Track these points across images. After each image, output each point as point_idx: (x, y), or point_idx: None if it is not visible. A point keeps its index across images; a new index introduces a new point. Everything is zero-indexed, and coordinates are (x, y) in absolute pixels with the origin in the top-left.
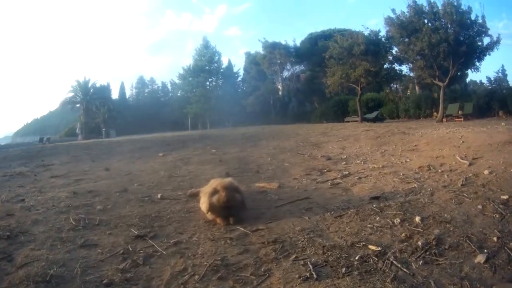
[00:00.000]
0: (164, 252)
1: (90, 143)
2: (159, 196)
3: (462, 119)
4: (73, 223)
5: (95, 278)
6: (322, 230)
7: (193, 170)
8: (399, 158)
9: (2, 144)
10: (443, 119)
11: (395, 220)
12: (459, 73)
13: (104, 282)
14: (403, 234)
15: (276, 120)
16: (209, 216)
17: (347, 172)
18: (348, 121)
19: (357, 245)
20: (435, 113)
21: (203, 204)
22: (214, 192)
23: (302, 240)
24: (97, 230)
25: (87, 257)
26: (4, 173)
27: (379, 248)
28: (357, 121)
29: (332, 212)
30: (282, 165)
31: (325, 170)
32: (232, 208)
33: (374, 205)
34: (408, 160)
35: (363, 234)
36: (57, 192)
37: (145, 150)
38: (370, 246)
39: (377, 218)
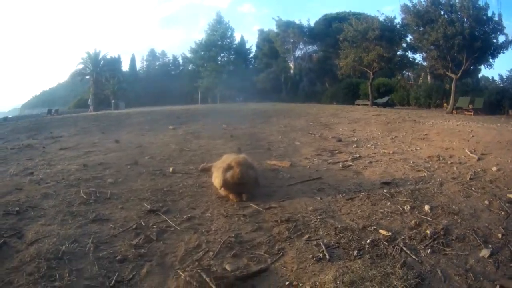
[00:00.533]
0: (177, 228)
1: (99, 115)
2: (170, 169)
3: (472, 113)
4: (84, 196)
5: (108, 254)
6: (334, 212)
7: (204, 145)
8: (409, 146)
9: (10, 116)
10: (453, 111)
11: (405, 207)
12: (471, 67)
13: (117, 258)
14: (412, 222)
15: (286, 98)
16: (222, 192)
17: (357, 155)
18: (359, 104)
19: (368, 228)
20: (445, 104)
21: (216, 179)
22: (228, 168)
23: (315, 220)
24: (108, 204)
25: (99, 232)
26: (12, 145)
27: (390, 234)
28: (367, 105)
29: (344, 194)
30: (293, 143)
31: (336, 152)
32: (245, 185)
33: (385, 190)
34: (418, 148)
35: (374, 218)
36: (67, 164)
37: (155, 122)
38: (381, 231)
39: (388, 204)
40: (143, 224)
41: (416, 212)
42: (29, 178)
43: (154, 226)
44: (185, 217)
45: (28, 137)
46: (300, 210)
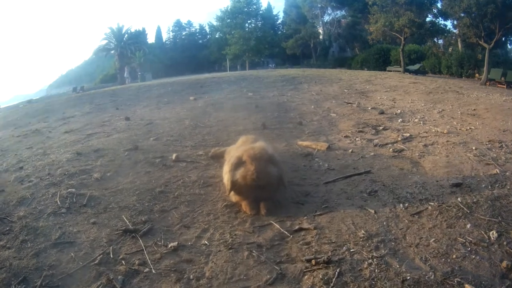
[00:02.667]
0: (153, 270)
1: (118, 89)
2: (173, 157)
3: (505, 86)
4: (58, 203)
5: None
6: (397, 241)
7: (224, 119)
8: (461, 123)
9: (34, 98)
10: (486, 83)
11: (490, 234)
12: (503, 38)
13: None
14: (503, 263)
15: (316, 64)
16: (232, 197)
17: (407, 134)
18: (390, 71)
19: (449, 281)
20: (477, 75)
21: (225, 177)
22: (239, 163)
23: (369, 261)
24: (81, 215)
25: (55, 265)
26: (19, 132)
27: None
28: (399, 71)
29: (406, 205)
30: (328, 115)
31: (381, 128)
32: (264, 189)
33: (458, 199)
34: (472, 128)
35: (454, 256)
36: (61, 153)
37: (176, 94)
38: (466, 286)
39: (468, 226)
40: (111, 256)
41: (505, 243)
42: (16, 174)
43: (123, 262)
44: (170, 246)
45: (39, 120)
46: (346, 237)
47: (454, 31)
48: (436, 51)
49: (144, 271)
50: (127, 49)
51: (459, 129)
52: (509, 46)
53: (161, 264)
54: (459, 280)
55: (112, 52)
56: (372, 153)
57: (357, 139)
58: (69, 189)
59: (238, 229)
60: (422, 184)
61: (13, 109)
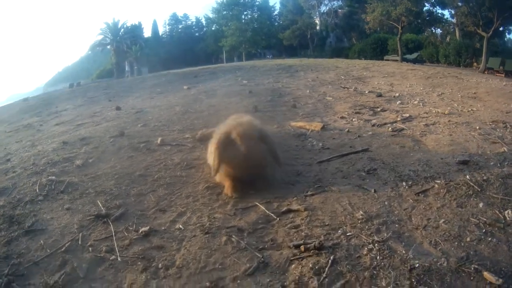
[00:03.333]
0: (119, 259)
1: (113, 82)
2: (158, 141)
3: (504, 75)
4: (37, 190)
5: None
6: (401, 223)
7: (216, 104)
8: (462, 105)
9: (31, 96)
10: (485, 71)
11: (506, 214)
12: (501, 28)
13: None
14: None
15: (313, 54)
16: (217, 178)
17: (407, 115)
18: (388, 60)
19: (465, 268)
20: (475, 64)
21: (210, 157)
22: (226, 141)
23: (370, 246)
24: (57, 201)
25: (24, 254)
26: (11, 128)
27: (500, 281)
28: (397, 60)
29: (410, 183)
30: (323, 99)
31: (378, 109)
32: (253, 168)
33: (467, 176)
34: (474, 109)
35: (468, 240)
36: (49, 143)
37: (169, 84)
38: (485, 274)
39: (481, 205)
40: (79, 243)
41: None
42: (2, 167)
43: (91, 249)
44: (141, 231)
45: (32, 115)
46: (342, 218)
47: (452, 20)
48: (434, 40)
49: (110, 258)
50: (123, 44)
51: (461, 111)
52: (507, 35)
53: (129, 251)
54: (476, 267)
55: (108, 47)
56: (370, 132)
57: (353, 119)
58: (50, 177)
59: (218, 212)
60: (426, 162)
61: (9, 108)
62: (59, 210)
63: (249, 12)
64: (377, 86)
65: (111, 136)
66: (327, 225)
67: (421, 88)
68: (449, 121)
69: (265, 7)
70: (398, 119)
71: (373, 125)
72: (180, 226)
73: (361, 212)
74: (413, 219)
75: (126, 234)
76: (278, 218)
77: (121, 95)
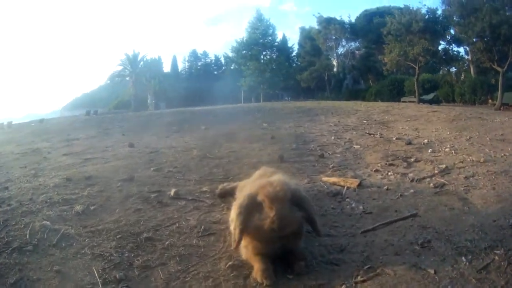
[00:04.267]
0: None
1: (129, 115)
2: (172, 192)
3: None
4: (27, 237)
5: None
6: None
7: (236, 150)
8: (493, 150)
9: (47, 118)
10: (501, 108)
11: None
12: None
13: None
14: None
15: (330, 96)
16: (242, 251)
17: (443, 166)
18: (405, 101)
19: None
20: (490, 100)
21: (232, 224)
22: (253, 204)
23: None
24: (47, 257)
25: None
26: (19, 150)
27: None
28: (414, 101)
29: (470, 257)
30: (351, 147)
31: (412, 160)
32: (288, 239)
33: None
34: (506, 154)
35: None
36: (52, 177)
37: (186, 122)
38: None
39: None
40: None
41: None
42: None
43: None
44: None
45: (43, 140)
46: None
47: (467, 57)
48: (450, 79)
49: None
50: (142, 77)
51: (494, 157)
52: None
53: None
54: None
55: (127, 78)
56: (411, 190)
57: (389, 173)
58: (44, 221)
59: None
60: (480, 227)
61: (24, 127)
62: (48, 271)
63: (268, 52)
64: (403, 132)
65: (119, 180)
66: None
67: (448, 133)
68: (487, 171)
69: (284, 48)
70: (436, 171)
71: (412, 180)
72: None
73: None
74: None
75: None
76: None
77: (136, 130)
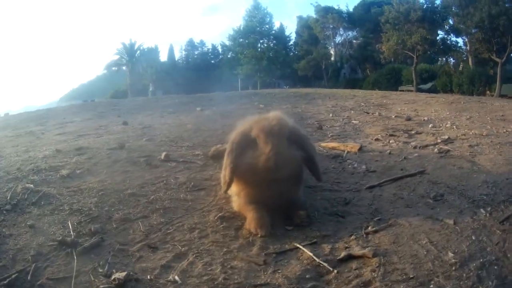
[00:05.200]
0: None
1: (125, 100)
2: (162, 156)
3: None
4: (8, 198)
5: None
6: (499, 262)
7: (232, 124)
8: (495, 127)
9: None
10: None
11: None
12: None
13: None
14: None
15: (328, 85)
16: (234, 201)
17: (446, 137)
18: (403, 90)
19: None
20: (488, 91)
21: (223, 172)
22: (245, 141)
23: None
24: (24, 215)
25: None
26: (14, 133)
27: None
28: (411, 90)
29: (489, 209)
30: (349, 122)
31: (413, 132)
32: (286, 184)
33: None
34: (509, 130)
35: None
36: (43, 150)
37: (183, 105)
38: None
39: None
40: (28, 279)
41: None
42: None
43: None
44: (113, 277)
45: (38, 124)
46: (429, 266)
47: (465, 48)
48: (448, 69)
49: None
50: (139, 66)
51: (497, 132)
52: None
53: None
54: None
55: (124, 68)
56: (415, 154)
57: (391, 141)
58: (27, 185)
59: (237, 258)
60: (494, 183)
61: (20, 116)
62: (22, 227)
63: (265, 40)
64: (401, 112)
65: (109, 148)
66: (412, 278)
67: (448, 113)
68: (491, 141)
69: (281, 36)
70: (438, 141)
71: (415, 147)
72: (176, 278)
73: (450, 254)
74: (509, 255)
75: (92, 279)
76: (335, 270)
77: (131, 112)
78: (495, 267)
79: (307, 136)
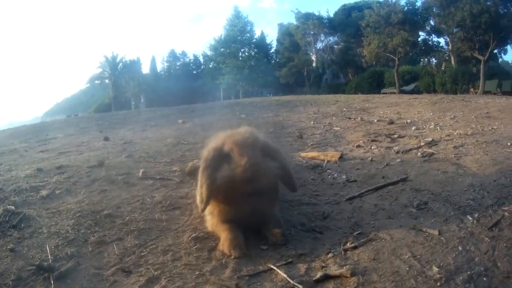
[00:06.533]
0: None
1: (107, 115)
2: (140, 173)
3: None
4: None
5: None
6: (488, 273)
7: (211, 136)
8: (480, 125)
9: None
10: (483, 96)
11: None
12: (495, 51)
13: None
14: None
15: (310, 92)
16: (208, 221)
17: (429, 139)
18: (386, 93)
19: None
20: (471, 89)
21: (199, 190)
22: (219, 156)
23: None
24: (4, 238)
25: None
26: None
27: None
28: (394, 93)
29: (476, 215)
30: (331, 129)
31: (395, 136)
32: (262, 197)
33: None
34: (494, 127)
35: None
36: (25, 169)
37: (164, 118)
38: None
39: None
40: None
41: None
42: None
43: None
44: None
45: (22, 141)
46: (412, 283)
47: (447, 47)
48: (430, 70)
49: None
50: (121, 78)
51: (482, 130)
52: (502, 57)
53: None
54: None
55: (107, 81)
56: (398, 160)
57: (372, 147)
58: (9, 206)
59: (210, 282)
60: (481, 186)
61: (3, 132)
62: (3, 250)
63: (246, 49)
64: (384, 116)
65: (89, 166)
66: None
67: (431, 114)
68: (476, 141)
69: (262, 44)
70: (422, 144)
71: (397, 152)
72: None
73: (435, 269)
74: (499, 265)
75: None
76: None
77: (114, 127)
78: (484, 279)
79: (278, 148)
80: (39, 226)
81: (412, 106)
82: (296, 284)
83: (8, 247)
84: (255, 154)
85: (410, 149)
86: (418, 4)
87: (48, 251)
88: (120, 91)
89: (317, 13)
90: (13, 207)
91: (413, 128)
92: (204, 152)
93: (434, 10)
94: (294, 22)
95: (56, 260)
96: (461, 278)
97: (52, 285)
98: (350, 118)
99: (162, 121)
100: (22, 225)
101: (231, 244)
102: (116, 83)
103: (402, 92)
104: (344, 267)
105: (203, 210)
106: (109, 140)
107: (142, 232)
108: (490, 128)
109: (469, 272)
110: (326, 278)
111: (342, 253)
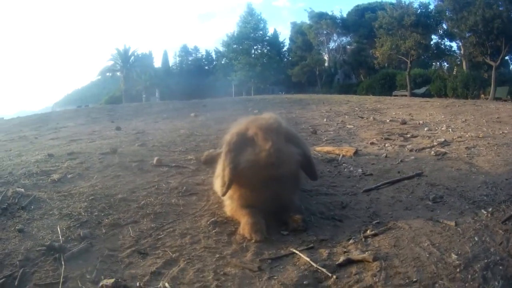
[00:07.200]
0: None
1: (118, 106)
2: (154, 161)
3: None
4: None
5: None
6: (503, 262)
7: (225, 129)
8: (491, 129)
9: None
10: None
11: None
12: (507, 57)
13: None
14: None
15: (322, 91)
16: (227, 206)
17: (442, 139)
18: (397, 95)
19: None
20: (482, 95)
21: (218, 177)
22: (242, 141)
23: None
24: (13, 219)
25: None
26: (7, 138)
27: None
28: (406, 95)
29: (490, 209)
30: (344, 127)
31: (409, 135)
32: (284, 183)
33: None
34: (505, 132)
35: None
36: (35, 155)
37: (176, 111)
38: None
39: None
40: (15, 284)
41: None
42: None
43: None
44: (102, 284)
45: (32, 129)
46: (432, 268)
47: (459, 52)
48: (442, 74)
49: None
50: (133, 71)
51: (493, 134)
52: (510, 67)
53: None
54: None
55: (118, 73)
56: (412, 157)
57: (386, 145)
58: (18, 189)
59: (231, 264)
60: (493, 184)
61: (13, 120)
62: (11, 231)
63: (259, 46)
64: (396, 116)
65: (102, 153)
66: (415, 281)
67: (443, 116)
68: (488, 143)
69: (275, 42)
70: (435, 144)
71: (411, 150)
72: (166, 285)
73: (454, 256)
74: None
75: (79, 285)
76: (334, 276)
77: (125, 118)
78: (500, 267)
79: (300, 136)
80: (50, 208)
81: (424, 109)
82: (319, 267)
83: (17, 227)
84: (279, 139)
85: (423, 148)
86: (431, 7)
87: (59, 232)
88: (131, 84)
89: (330, 13)
90: (22, 190)
91: (425, 129)
92: (227, 136)
93: (447, 13)
94: (307, 21)
95: (67, 241)
96: (478, 265)
97: (63, 266)
98: (362, 117)
99: (174, 114)
100: (32, 206)
101: (252, 228)
102: (128, 76)
103: (413, 95)
104: (366, 253)
105: (225, 193)
106: (121, 130)
107: (159, 216)
108: (501, 132)
109: (486, 261)
110: (349, 262)
111: (363, 239)
